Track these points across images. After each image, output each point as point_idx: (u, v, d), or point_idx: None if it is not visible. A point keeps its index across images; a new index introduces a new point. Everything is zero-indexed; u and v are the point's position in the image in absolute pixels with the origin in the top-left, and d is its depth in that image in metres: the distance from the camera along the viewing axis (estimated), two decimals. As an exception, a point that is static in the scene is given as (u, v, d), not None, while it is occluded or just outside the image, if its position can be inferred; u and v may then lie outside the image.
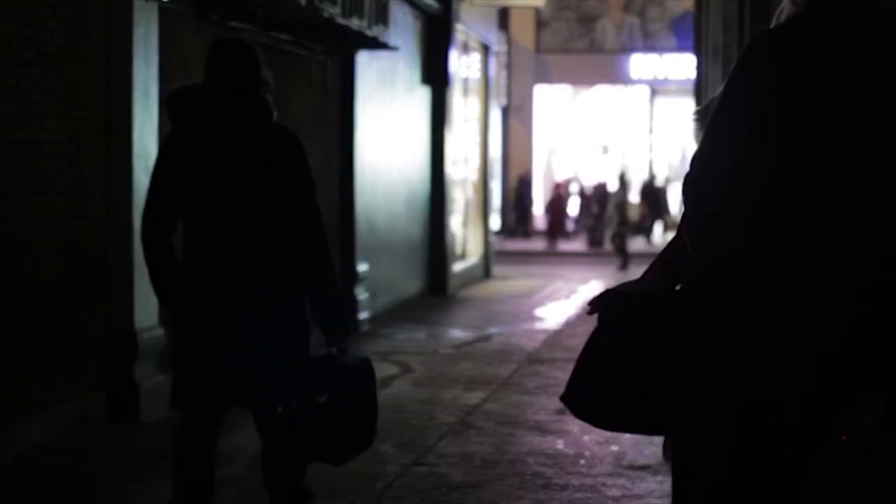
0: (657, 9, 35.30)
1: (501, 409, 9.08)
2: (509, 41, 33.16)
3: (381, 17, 12.67)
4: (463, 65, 19.23)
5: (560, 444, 7.89)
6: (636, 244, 27.80)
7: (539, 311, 16.10)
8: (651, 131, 36.54)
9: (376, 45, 12.89)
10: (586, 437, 7.92)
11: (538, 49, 35.40)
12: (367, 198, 13.71)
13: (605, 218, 26.66)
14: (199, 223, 5.27)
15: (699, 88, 15.89)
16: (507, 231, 32.04)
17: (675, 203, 31.33)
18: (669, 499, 3.11)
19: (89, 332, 8.19)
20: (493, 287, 19.25)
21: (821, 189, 2.76)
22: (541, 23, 35.36)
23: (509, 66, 33.69)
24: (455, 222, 18.58)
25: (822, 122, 2.77)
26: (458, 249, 19.12)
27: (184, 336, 5.30)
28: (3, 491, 6.76)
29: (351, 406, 5.27)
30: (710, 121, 2.92)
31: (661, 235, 29.86)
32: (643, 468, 7.21)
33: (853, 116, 2.77)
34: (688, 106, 25.37)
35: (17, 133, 7.42)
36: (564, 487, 6.85)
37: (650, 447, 7.32)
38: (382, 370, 9.68)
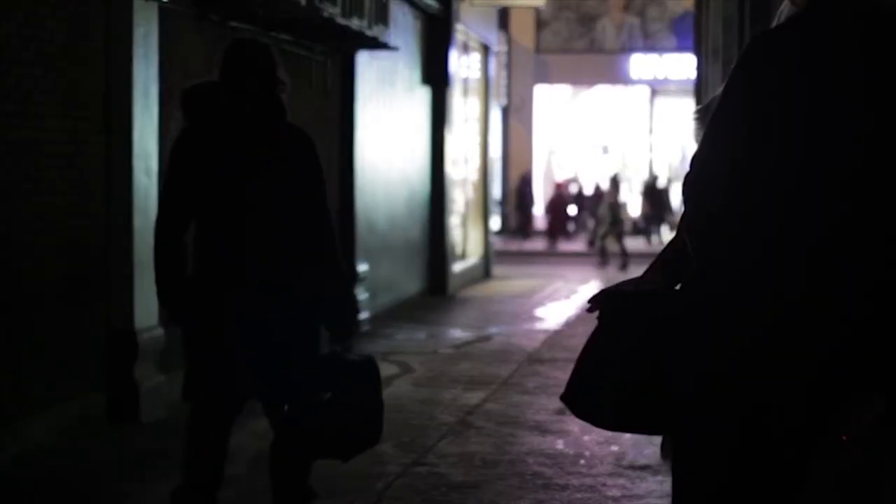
0: (657, 9, 35.30)
1: (501, 409, 9.08)
2: (509, 41, 33.17)
3: (381, 17, 12.67)
4: (463, 65, 19.23)
5: (560, 444, 7.89)
6: (635, 244, 27.82)
7: (539, 311, 16.10)
8: (651, 131, 36.54)
9: (376, 45, 12.89)
10: (586, 437, 7.92)
11: (538, 49, 35.40)
12: (367, 198, 13.71)
13: (598, 218, 26.68)
14: (207, 221, 5.30)
15: (699, 88, 15.88)
16: (507, 231, 31.99)
17: (677, 203, 31.31)
18: (669, 499, 3.11)
19: (89, 332, 8.19)
20: (494, 287, 19.25)
21: (821, 189, 2.76)
22: (541, 23, 35.36)
23: (509, 66, 33.69)
24: (455, 222, 18.58)
25: (822, 122, 2.77)
26: (458, 249, 19.12)
27: (189, 333, 5.34)
28: (3, 491, 6.76)
29: (355, 403, 5.32)
30: (710, 121, 2.91)
31: (663, 236, 29.85)
32: (643, 468, 7.21)
33: (853, 116, 2.77)
34: (688, 106, 25.37)
35: (17, 133, 7.42)
36: (564, 487, 6.85)
37: (650, 447, 7.32)
38: (382, 370, 9.67)
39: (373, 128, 14.18)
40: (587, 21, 35.63)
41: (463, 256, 19.51)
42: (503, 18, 30.27)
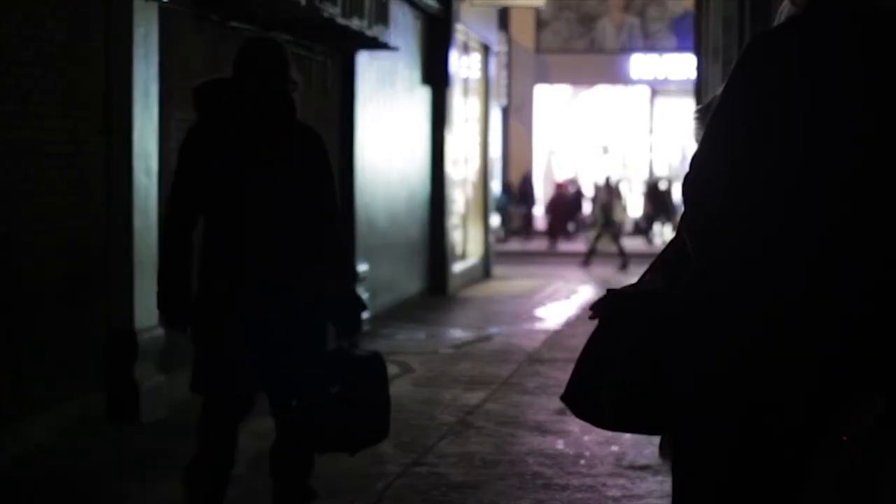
0: (657, 9, 35.30)
1: (501, 410, 9.08)
2: (509, 41, 33.16)
3: (381, 17, 12.67)
4: (463, 65, 19.23)
5: (560, 445, 7.89)
6: (636, 244, 27.82)
7: (539, 311, 16.10)
8: (651, 131, 36.54)
9: (376, 45, 12.89)
10: (586, 438, 7.92)
11: (538, 49, 35.40)
12: (367, 198, 13.71)
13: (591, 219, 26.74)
14: (211, 220, 5.33)
15: (699, 88, 15.89)
16: (507, 231, 31.95)
17: (679, 204, 31.30)
18: (669, 499, 3.11)
19: (89, 332, 8.19)
20: (494, 287, 19.25)
21: (821, 189, 2.76)
22: (541, 23, 35.36)
23: (509, 66, 33.69)
24: (455, 222, 18.57)
25: (822, 123, 2.77)
26: (458, 249, 19.12)
27: (195, 328, 5.37)
28: (3, 491, 6.76)
29: (363, 398, 5.37)
30: (710, 120, 2.91)
31: (665, 236, 29.85)
32: (643, 468, 7.21)
33: (853, 116, 2.77)
34: (688, 106, 25.37)
35: (17, 133, 7.42)
36: (564, 488, 6.85)
37: (650, 447, 7.32)
38: (382, 370, 9.67)
39: (373, 128, 14.18)
40: (587, 21, 35.63)
41: (463, 256, 19.51)
42: (503, 18, 30.27)
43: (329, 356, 5.38)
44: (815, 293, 2.75)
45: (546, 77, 35.39)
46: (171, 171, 8.94)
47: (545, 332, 13.95)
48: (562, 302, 17.40)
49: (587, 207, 31.65)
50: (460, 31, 18.23)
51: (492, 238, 21.77)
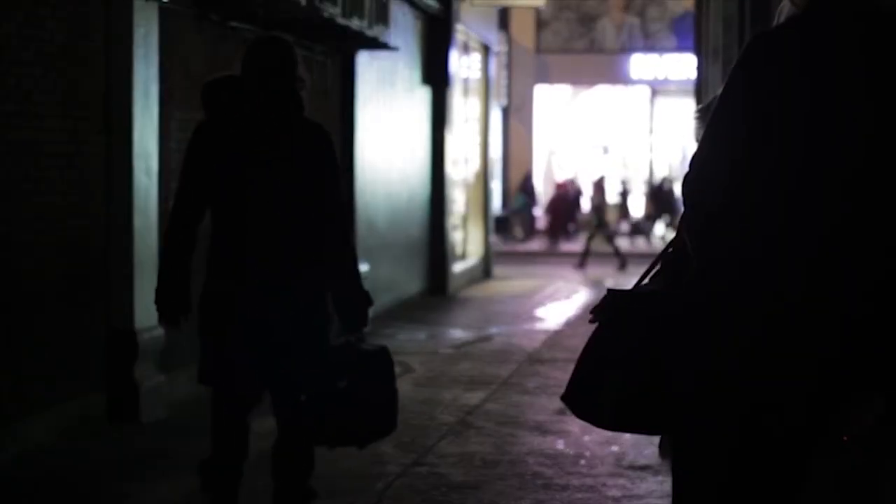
0: (657, 9, 35.29)
1: (501, 410, 9.08)
2: (509, 41, 33.15)
3: (381, 17, 12.66)
4: (463, 65, 19.23)
5: (560, 445, 7.89)
6: (636, 244, 27.81)
7: (539, 312, 16.10)
8: (651, 131, 36.54)
9: (376, 45, 12.89)
10: (587, 438, 7.92)
11: (538, 49, 35.39)
12: (367, 198, 13.71)
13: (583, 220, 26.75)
14: (215, 219, 5.36)
15: (699, 88, 15.88)
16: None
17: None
18: (669, 499, 3.11)
19: (89, 332, 8.19)
20: (494, 287, 19.24)
21: (821, 189, 2.76)
22: (541, 23, 35.35)
23: (509, 67, 33.67)
24: (455, 222, 18.57)
25: (822, 122, 2.77)
26: (459, 249, 19.11)
27: (202, 322, 5.39)
28: (3, 491, 6.75)
29: (370, 391, 5.41)
30: (710, 120, 2.91)
31: (664, 238, 29.86)
32: (643, 468, 7.21)
33: (853, 116, 2.77)
34: (688, 106, 25.38)
35: (17, 133, 7.42)
36: (565, 488, 6.85)
37: (650, 447, 7.32)
38: (382, 370, 9.69)
39: (373, 128, 14.17)
40: (587, 21, 35.62)
41: (463, 256, 19.51)
42: (503, 18, 30.25)
43: (336, 351, 5.42)
44: (815, 293, 2.75)
45: (546, 77, 35.38)
46: (171, 170, 9.00)
47: (545, 332, 13.95)
48: (562, 302, 17.39)
49: (587, 207, 31.64)
50: (460, 31, 18.23)
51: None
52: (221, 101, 5.40)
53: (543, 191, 34.69)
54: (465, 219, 19.78)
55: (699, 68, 16.25)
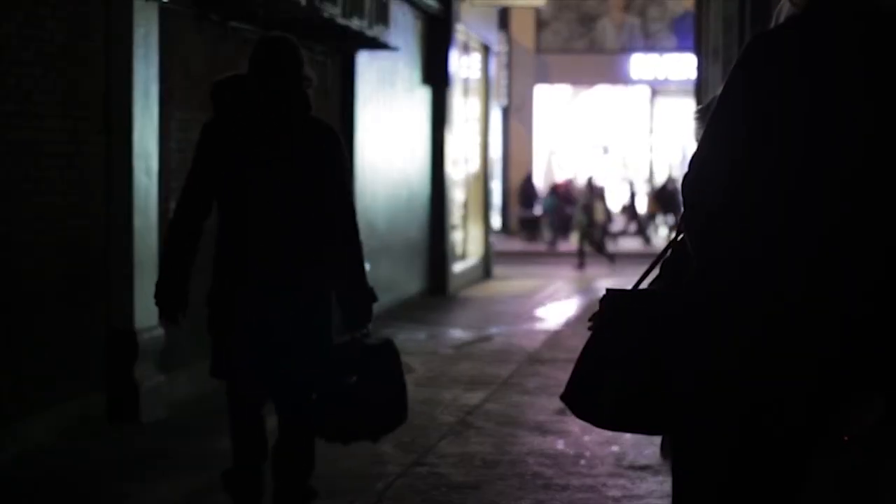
0: (657, 9, 35.29)
1: (502, 410, 9.08)
2: (509, 41, 33.16)
3: (382, 17, 12.66)
4: (463, 65, 19.23)
5: (560, 445, 7.89)
6: (635, 245, 27.82)
7: (539, 311, 16.10)
8: (651, 131, 36.54)
9: (376, 45, 12.89)
10: (587, 438, 7.91)
11: (538, 49, 35.39)
12: (367, 198, 13.71)
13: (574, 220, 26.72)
14: (221, 219, 5.39)
15: (699, 88, 15.89)
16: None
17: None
18: (670, 499, 3.11)
19: (89, 332, 8.18)
20: (494, 287, 19.25)
21: (821, 189, 2.76)
22: (541, 23, 35.35)
23: (509, 66, 33.68)
24: (455, 222, 18.57)
25: (822, 123, 2.76)
26: (459, 249, 19.11)
27: (210, 317, 5.42)
28: (3, 491, 6.75)
29: (380, 384, 5.48)
30: (710, 120, 2.91)
31: (666, 237, 29.88)
32: (643, 468, 7.21)
33: (853, 116, 2.77)
34: (688, 106, 25.37)
35: (17, 133, 7.42)
36: (565, 488, 6.85)
37: (650, 447, 7.32)
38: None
39: (373, 128, 14.17)
40: (587, 21, 35.62)
41: (463, 256, 19.51)
42: (503, 18, 30.26)
43: (342, 348, 5.44)
44: (815, 293, 2.74)
45: (546, 77, 35.38)
46: (171, 170, 9.01)
47: (545, 332, 13.95)
48: (562, 302, 17.39)
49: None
50: (460, 31, 18.23)
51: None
52: (226, 100, 5.42)
53: (543, 190, 34.66)
54: (465, 219, 19.78)
55: (699, 68, 16.26)
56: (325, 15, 10.70)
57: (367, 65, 13.74)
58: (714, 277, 2.84)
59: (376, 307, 5.62)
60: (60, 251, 7.86)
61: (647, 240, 30.45)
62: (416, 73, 16.56)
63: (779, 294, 2.76)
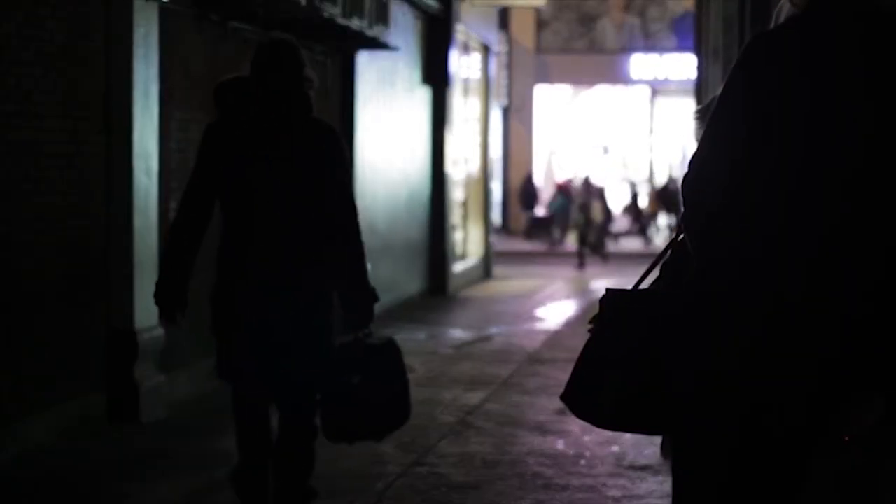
0: (657, 9, 35.29)
1: (502, 410, 9.08)
2: (510, 41, 33.15)
3: (382, 17, 12.66)
4: (463, 65, 19.23)
5: (560, 445, 7.89)
6: (635, 245, 27.80)
7: (539, 311, 16.10)
8: (651, 131, 36.53)
9: (376, 45, 12.89)
10: (587, 438, 7.91)
11: (538, 49, 35.39)
12: (368, 198, 13.70)
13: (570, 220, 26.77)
14: (224, 217, 5.41)
15: (700, 88, 15.89)
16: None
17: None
18: (670, 499, 3.11)
19: (89, 332, 8.18)
20: (494, 287, 19.24)
21: (821, 189, 2.76)
22: (541, 23, 35.35)
23: (510, 67, 33.67)
24: (455, 222, 18.56)
25: (822, 122, 2.77)
26: (459, 249, 19.11)
27: (214, 317, 5.44)
28: (3, 491, 6.75)
29: (383, 383, 5.51)
30: (710, 120, 2.91)
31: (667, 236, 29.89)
32: (644, 468, 7.21)
33: (853, 116, 2.77)
34: (688, 106, 25.37)
35: (17, 133, 7.42)
36: (565, 488, 6.85)
37: (650, 447, 7.32)
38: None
39: (373, 128, 14.17)
40: (587, 21, 35.62)
41: (463, 256, 19.51)
42: (503, 18, 30.25)
43: (344, 348, 5.47)
44: (815, 293, 2.74)
45: (546, 77, 35.38)
46: (171, 170, 9.01)
47: (545, 332, 13.94)
48: (562, 302, 17.39)
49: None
50: (460, 31, 18.23)
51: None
52: (228, 102, 5.44)
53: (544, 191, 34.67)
54: (465, 219, 19.78)
55: (699, 68, 16.26)
56: (325, 15, 10.70)
57: (367, 65, 13.74)
58: (714, 277, 2.84)
59: (376, 307, 5.63)
60: (60, 251, 7.86)
61: (647, 240, 30.44)
62: (416, 73, 16.55)
63: (779, 294, 2.76)
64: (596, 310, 3.21)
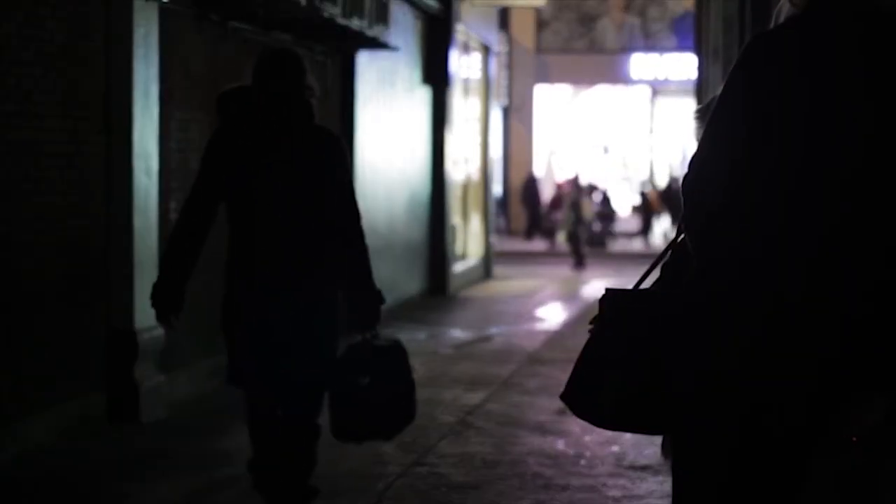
0: (658, 9, 35.29)
1: (502, 410, 9.08)
2: (510, 41, 33.15)
3: (382, 17, 12.66)
4: (463, 65, 19.23)
5: (561, 445, 7.89)
6: (634, 245, 27.80)
7: (540, 311, 16.10)
8: (651, 131, 36.54)
9: (376, 45, 12.89)
10: (587, 438, 7.91)
11: (538, 49, 35.39)
12: (368, 198, 13.70)
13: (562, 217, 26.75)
14: (229, 223, 5.45)
15: (700, 88, 15.88)
16: (508, 230, 31.88)
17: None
18: (670, 499, 3.11)
19: (89, 332, 8.18)
20: (494, 287, 19.24)
21: (821, 189, 2.76)
22: (541, 23, 35.35)
23: (510, 66, 33.67)
24: (455, 222, 18.56)
25: (822, 123, 2.76)
26: (459, 250, 19.11)
27: (224, 322, 5.47)
28: (3, 491, 6.76)
29: (390, 384, 5.55)
30: (710, 120, 2.91)
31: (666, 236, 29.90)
32: (644, 468, 7.21)
33: (853, 116, 2.77)
34: (688, 106, 25.37)
35: (17, 133, 7.42)
36: (565, 488, 6.85)
37: (650, 447, 7.32)
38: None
39: (373, 128, 14.17)
40: (587, 21, 35.62)
41: (463, 256, 19.50)
42: (503, 18, 30.24)
43: (352, 349, 5.50)
44: (815, 293, 2.74)
45: (546, 77, 35.38)
46: (171, 170, 9.01)
47: (545, 332, 13.95)
48: (562, 302, 17.39)
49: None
50: (460, 31, 18.23)
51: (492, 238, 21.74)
52: (231, 111, 5.48)
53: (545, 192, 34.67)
54: (465, 219, 19.77)
55: (699, 68, 16.25)
56: (325, 15, 10.70)
57: (367, 65, 13.74)
58: (714, 277, 2.84)
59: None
60: (60, 251, 7.86)
61: (646, 242, 30.45)
62: (416, 73, 16.55)
63: (779, 294, 2.76)
64: (596, 310, 3.21)
